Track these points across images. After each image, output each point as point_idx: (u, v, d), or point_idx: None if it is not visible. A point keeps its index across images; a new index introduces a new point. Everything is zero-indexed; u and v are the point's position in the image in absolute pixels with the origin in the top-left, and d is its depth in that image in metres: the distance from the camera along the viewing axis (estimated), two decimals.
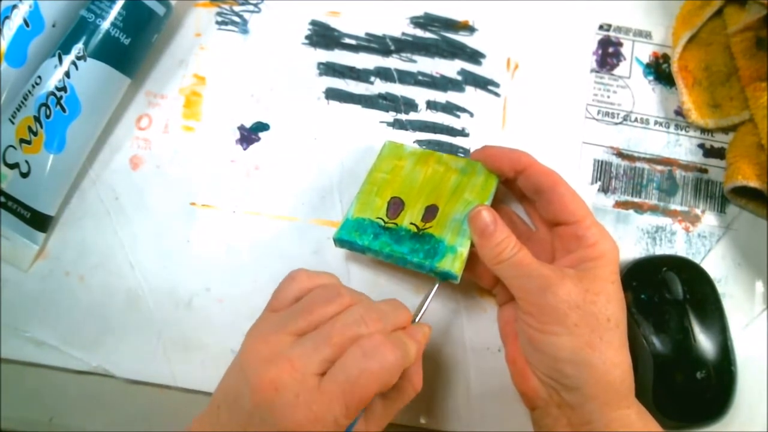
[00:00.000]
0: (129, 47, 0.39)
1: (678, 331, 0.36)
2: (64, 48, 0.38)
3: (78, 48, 0.38)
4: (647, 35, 0.44)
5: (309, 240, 0.40)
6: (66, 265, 0.41)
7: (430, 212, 0.36)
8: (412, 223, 0.36)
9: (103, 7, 0.38)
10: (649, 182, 0.41)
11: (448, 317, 0.39)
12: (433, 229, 0.35)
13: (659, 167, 0.42)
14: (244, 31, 0.44)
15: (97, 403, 0.39)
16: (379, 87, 0.43)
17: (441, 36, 0.43)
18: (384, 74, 0.43)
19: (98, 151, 0.42)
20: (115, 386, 0.39)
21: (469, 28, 0.44)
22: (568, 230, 0.34)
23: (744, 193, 0.39)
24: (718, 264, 0.40)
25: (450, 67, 0.43)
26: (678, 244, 0.40)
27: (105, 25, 0.38)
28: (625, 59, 0.43)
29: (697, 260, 0.40)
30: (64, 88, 0.38)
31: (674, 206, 0.41)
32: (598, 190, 0.41)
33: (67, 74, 0.38)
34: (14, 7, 0.38)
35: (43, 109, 0.38)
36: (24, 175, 0.38)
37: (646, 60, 0.43)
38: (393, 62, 0.43)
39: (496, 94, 0.43)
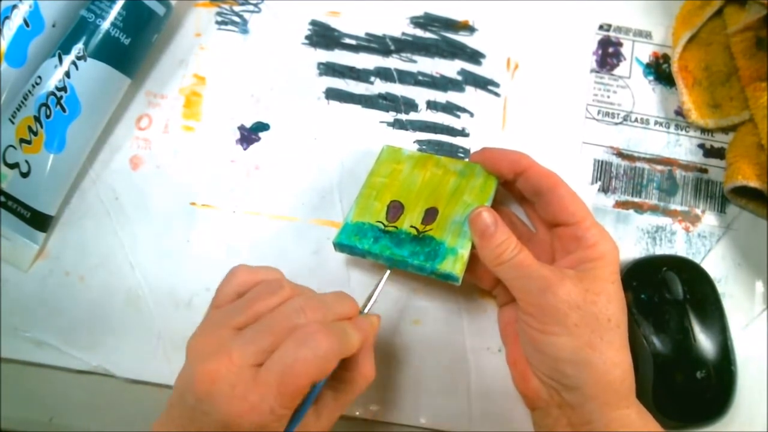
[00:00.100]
0: (129, 47, 0.39)
1: (678, 331, 0.36)
2: (64, 48, 0.38)
3: (78, 48, 0.38)
4: (647, 35, 0.44)
5: (309, 240, 0.40)
6: (66, 265, 0.41)
7: (430, 215, 0.36)
8: (412, 226, 0.36)
9: (103, 7, 0.38)
10: (649, 182, 0.41)
11: (448, 318, 0.39)
12: (434, 232, 0.35)
13: (659, 167, 0.42)
14: (244, 31, 0.44)
15: (97, 403, 0.39)
16: (379, 87, 0.43)
17: (441, 36, 0.43)
18: (384, 74, 0.43)
19: (98, 151, 0.42)
20: (115, 386, 0.39)
21: (469, 28, 0.44)
22: (567, 231, 0.34)
23: (744, 193, 0.39)
24: (718, 264, 0.40)
25: (450, 67, 0.43)
26: (678, 244, 0.40)
27: (105, 25, 0.38)
28: (625, 59, 0.43)
29: (697, 260, 0.40)
30: (64, 88, 0.38)
31: (674, 206, 0.41)
32: (598, 190, 0.41)
33: (67, 74, 0.38)
34: (14, 7, 0.38)
35: (43, 109, 0.38)
36: (24, 175, 0.38)
37: (646, 60, 0.43)
38: (393, 62, 0.43)
39: (496, 94, 0.43)
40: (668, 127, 0.42)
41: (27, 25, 0.38)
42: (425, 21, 0.44)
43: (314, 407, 0.30)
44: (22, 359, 0.39)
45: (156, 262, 0.40)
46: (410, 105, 0.42)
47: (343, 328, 0.29)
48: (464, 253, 0.34)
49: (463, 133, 0.42)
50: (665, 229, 0.41)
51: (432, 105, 0.42)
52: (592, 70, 0.43)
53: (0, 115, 0.39)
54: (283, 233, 0.41)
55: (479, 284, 0.38)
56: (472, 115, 0.42)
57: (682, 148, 0.42)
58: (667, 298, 0.37)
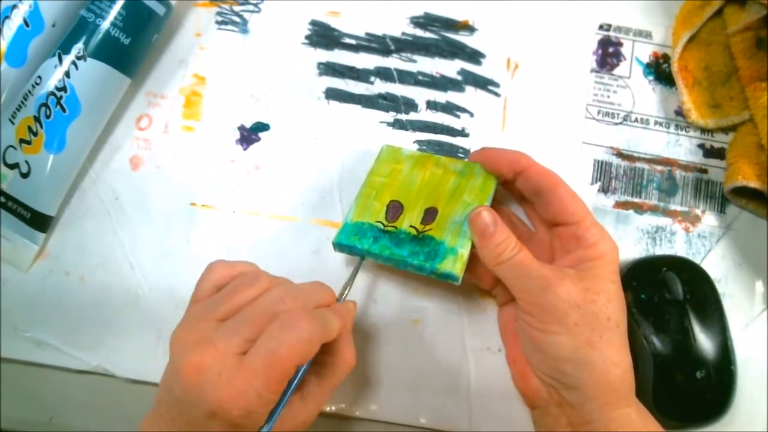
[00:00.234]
0: (129, 47, 0.39)
1: (678, 331, 0.36)
2: (64, 48, 0.38)
3: (78, 48, 0.38)
4: (647, 35, 0.44)
5: (309, 240, 0.41)
6: (66, 265, 0.41)
7: (430, 215, 0.36)
8: (411, 226, 0.36)
9: (103, 7, 0.38)
10: (649, 182, 0.41)
11: (448, 318, 0.39)
12: (433, 232, 0.35)
13: (659, 167, 0.42)
14: (244, 31, 0.44)
15: (97, 403, 0.39)
16: (379, 87, 0.43)
17: (441, 36, 0.43)
18: (384, 74, 0.43)
19: (98, 151, 0.42)
20: (115, 386, 0.39)
21: (469, 28, 0.44)
22: (567, 231, 0.34)
23: (744, 193, 0.39)
24: (718, 264, 0.40)
25: (450, 67, 0.43)
26: (678, 245, 0.40)
27: (105, 25, 0.38)
28: (625, 59, 0.43)
29: (697, 260, 0.40)
30: (64, 88, 0.38)
31: (674, 206, 0.41)
32: (598, 190, 0.41)
33: (67, 74, 0.38)
34: (14, 7, 0.38)
35: (43, 109, 0.38)
36: (24, 175, 0.38)
37: (646, 60, 0.43)
38: (393, 62, 0.43)
39: (496, 94, 0.43)
40: (668, 127, 0.42)
41: (27, 25, 0.38)
42: (425, 21, 0.44)
43: (299, 393, 0.31)
44: (22, 359, 0.39)
45: (156, 262, 0.40)
46: (410, 105, 0.43)
47: (322, 314, 0.30)
48: (464, 252, 0.34)
49: (463, 133, 0.42)
50: (665, 230, 0.41)
51: (432, 105, 0.42)
52: (592, 70, 0.43)
53: (0, 115, 0.39)
54: (283, 233, 0.41)
55: (479, 284, 0.38)
56: (472, 115, 0.42)
57: (682, 148, 0.42)
58: (667, 298, 0.37)
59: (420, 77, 0.43)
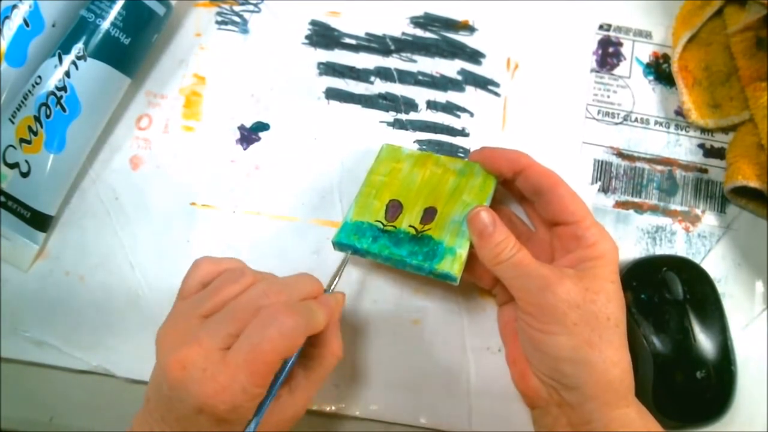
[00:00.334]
0: (129, 47, 0.39)
1: (678, 331, 0.36)
2: (64, 48, 0.38)
3: (78, 48, 0.38)
4: (647, 35, 0.44)
5: (309, 240, 0.41)
6: (66, 265, 0.41)
7: (429, 214, 0.36)
8: (410, 226, 0.36)
9: (103, 7, 0.38)
10: (649, 182, 0.41)
11: (448, 318, 0.39)
12: (432, 231, 0.35)
13: (659, 167, 0.42)
14: (244, 31, 0.44)
15: (97, 403, 0.39)
16: (379, 87, 0.43)
17: (441, 36, 0.43)
18: (384, 74, 0.43)
19: (98, 151, 0.42)
20: (115, 386, 0.39)
21: (469, 28, 0.44)
22: (567, 230, 0.34)
23: (744, 193, 0.39)
24: (718, 264, 0.40)
25: (450, 67, 0.43)
26: (678, 244, 0.40)
27: (105, 25, 0.38)
28: (625, 59, 0.43)
29: (697, 260, 0.40)
30: (64, 88, 0.38)
31: (674, 206, 0.41)
32: (598, 190, 0.41)
33: (67, 74, 0.38)
34: (14, 7, 0.38)
35: (43, 108, 0.38)
36: (24, 175, 0.38)
37: (646, 60, 0.43)
38: (393, 62, 0.43)
39: (496, 94, 0.43)
40: (668, 127, 0.42)
41: (27, 25, 0.38)
42: (425, 21, 0.44)
43: (287, 387, 0.31)
44: (22, 359, 0.39)
45: (156, 262, 0.40)
46: (410, 105, 0.43)
47: (308, 306, 0.30)
48: (462, 252, 0.34)
49: (463, 133, 0.42)
50: (665, 229, 0.41)
51: (432, 105, 0.42)
52: (592, 70, 0.43)
53: (0, 115, 0.39)
54: (283, 233, 0.41)
55: (479, 283, 0.38)
56: (472, 114, 0.42)
57: (682, 148, 0.42)
58: (667, 298, 0.37)
59: (420, 77, 0.43)
